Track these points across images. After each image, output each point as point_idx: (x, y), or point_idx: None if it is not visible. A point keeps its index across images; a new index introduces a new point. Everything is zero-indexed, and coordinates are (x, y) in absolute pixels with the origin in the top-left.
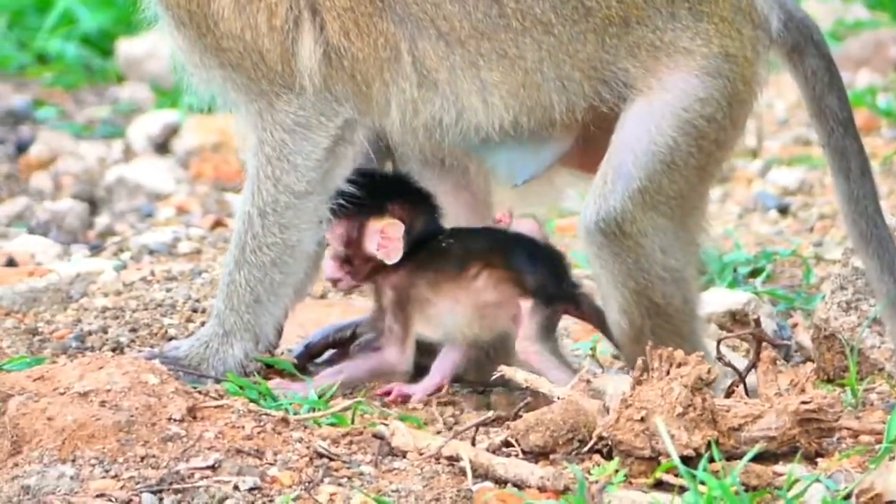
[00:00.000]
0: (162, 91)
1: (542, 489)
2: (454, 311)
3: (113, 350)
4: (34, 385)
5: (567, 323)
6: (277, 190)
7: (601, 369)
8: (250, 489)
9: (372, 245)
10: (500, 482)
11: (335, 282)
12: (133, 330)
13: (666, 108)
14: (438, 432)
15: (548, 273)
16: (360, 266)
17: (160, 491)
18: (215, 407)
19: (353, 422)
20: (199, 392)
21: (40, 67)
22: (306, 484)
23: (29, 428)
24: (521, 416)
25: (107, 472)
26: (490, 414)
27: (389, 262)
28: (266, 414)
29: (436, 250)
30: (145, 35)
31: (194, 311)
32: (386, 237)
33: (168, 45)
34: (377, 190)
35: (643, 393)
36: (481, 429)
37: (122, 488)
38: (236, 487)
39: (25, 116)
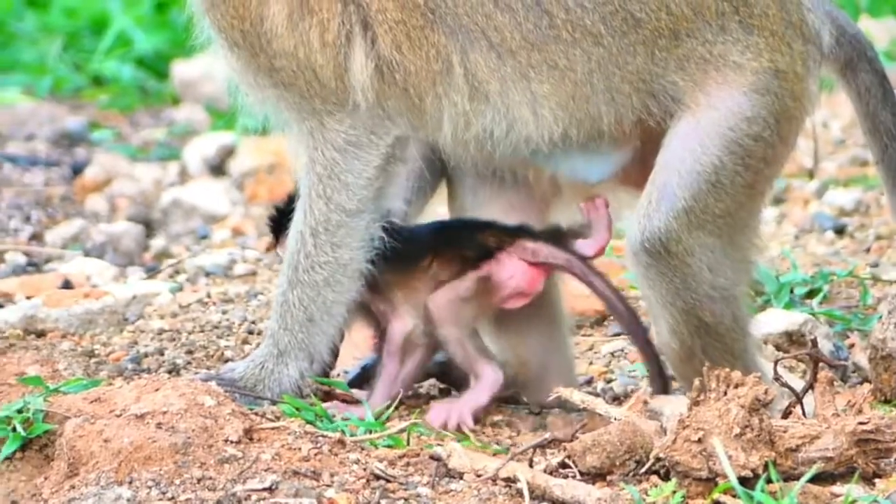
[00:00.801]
0: (217, 113)
1: None
2: (417, 301)
3: (169, 372)
4: (91, 407)
5: (623, 344)
6: (329, 209)
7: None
8: None
9: None
10: (558, 503)
11: None
12: (189, 352)
13: (712, 126)
14: (495, 454)
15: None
16: None
17: None
18: (272, 428)
19: (409, 443)
20: (256, 414)
21: (96, 89)
22: None
23: (85, 450)
24: (578, 438)
25: (163, 494)
26: (547, 435)
27: None
28: (323, 435)
29: (392, 247)
30: (200, 57)
31: (250, 332)
32: None
33: (222, 66)
34: None
35: (700, 414)
36: (538, 450)
37: None
38: None
39: (81, 138)
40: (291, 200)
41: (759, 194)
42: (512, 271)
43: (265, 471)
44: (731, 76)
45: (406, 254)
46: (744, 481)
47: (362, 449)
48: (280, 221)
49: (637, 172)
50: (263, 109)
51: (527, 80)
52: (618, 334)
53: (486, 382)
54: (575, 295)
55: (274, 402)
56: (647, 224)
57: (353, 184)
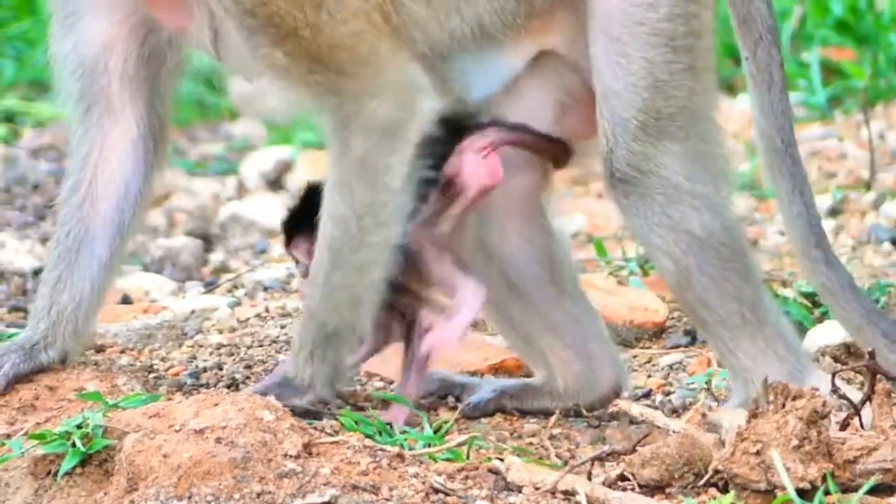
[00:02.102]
0: (275, 127)
1: None
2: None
3: (228, 387)
4: (150, 422)
5: (681, 356)
6: (376, 190)
7: (716, 402)
8: None
9: None
10: None
11: None
12: (248, 366)
13: (621, 30)
14: (554, 467)
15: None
16: None
17: None
18: (331, 443)
19: (468, 457)
20: (315, 428)
21: None
22: None
23: (144, 465)
24: (637, 451)
25: None
26: (606, 448)
27: None
28: (382, 449)
29: None
30: None
31: None
32: None
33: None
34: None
35: (759, 426)
36: (597, 463)
37: None
38: None
39: None
40: (305, 200)
41: (704, 70)
42: (470, 168)
43: (324, 485)
44: None
45: None
46: (802, 493)
47: (421, 463)
48: (293, 222)
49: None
50: (297, 101)
51: None
52: (676, 347)
53: (466, 298)
54: (633, 307)
55: (334, 416)
56: (611, 157)
57: (396, 163)
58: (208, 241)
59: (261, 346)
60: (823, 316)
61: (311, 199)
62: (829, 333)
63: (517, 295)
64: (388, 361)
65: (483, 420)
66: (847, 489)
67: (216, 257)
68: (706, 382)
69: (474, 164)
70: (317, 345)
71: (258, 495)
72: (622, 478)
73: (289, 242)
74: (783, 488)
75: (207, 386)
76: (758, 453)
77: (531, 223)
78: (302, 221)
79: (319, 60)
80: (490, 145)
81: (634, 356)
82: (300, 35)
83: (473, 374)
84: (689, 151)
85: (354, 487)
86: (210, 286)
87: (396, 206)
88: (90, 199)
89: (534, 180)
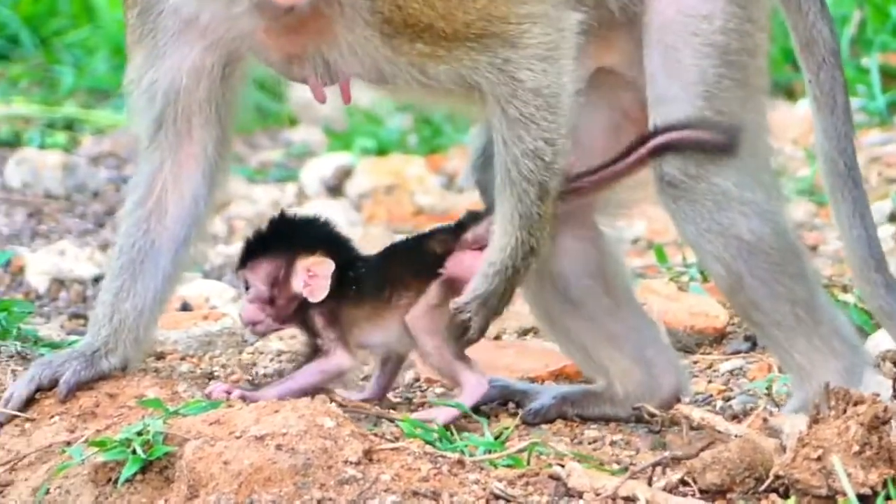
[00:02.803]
0: (334, 134)
1: None
2: (386, 331)
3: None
4: (210, 429)
5: (741, 362)
6: (556, 115)
7: (777, 407)
8: None
9: (298, 284)
10: None
11: (254, 324)
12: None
13: (677, 40)
14: (615, 473)
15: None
16: (282, 307)
17: None
18: (391, 449)
19: (529, 463)
20: (375, 434)
21: None
22: None
23: (205, 472)
24: (698, 456)
25: None
26: (667, 454)
27: (315, 300)
28: (442, 456)
29: (354, 281)
30: None
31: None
32: (313, 275)
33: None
34: (301, 229)
35: (820, 432)
36: (657, 468)
37: None
38: None
39: None
40: (274, 226)
41: (756, 90)
42: (467, 263)
43: (385, 491)
44: None
45: (366, 288)
46: (863, 499)
47: (482, 469)
48: (257, 245)
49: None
50: (443, 85)
51: None
52: (736, 352)
53: (469, 389)
54: (693, 313)
55: (392, 420)
56: (661, 162)
57: (567, 82)
58: None
59: None
60: None
61: (279, 226)
62: (890, 338)
63: (572, 308)
64: None
65: (543, 426)
66: None
67: None
68: (767, 387)
69: (471, 260)
70: (491, 295)
71: (318, 502)
72: (683, 483)
73: (244, 265)
74: (844, 494)
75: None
76: (819, 459)
77: (582, 239)
78: (267, 246)
79: (459, 39)
80: (485, 242)
81: (695, 362)
82: (436, 27)
83: (534, 380)
84: (737, 161)
85: (415, 494)
86: None
87: (568, 125)
88: (157, 213)
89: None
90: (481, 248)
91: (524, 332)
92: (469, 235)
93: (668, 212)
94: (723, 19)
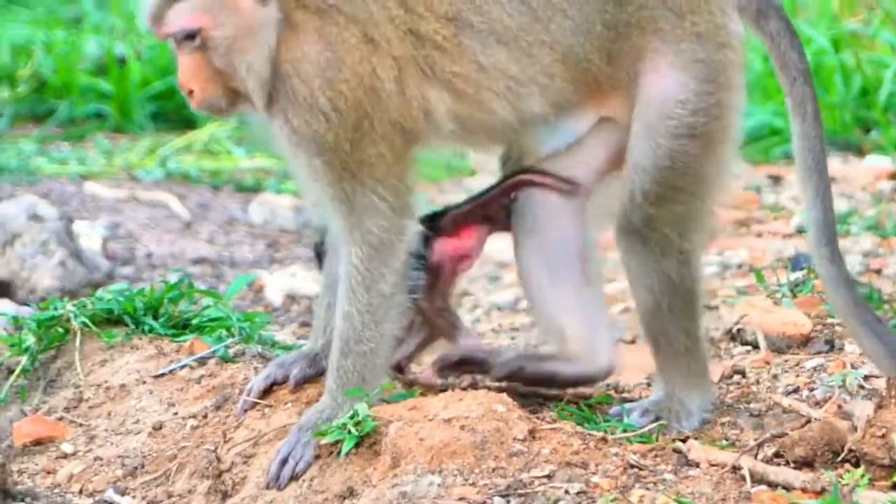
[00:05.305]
0: None
1: (804, 491)
2: None
3: (470, 386)
4: (409, 413)
5: (822, 360)
6: (370, 295)
7: (850, 396)
8: (577, 493)
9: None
10: (773, 486)
11: None
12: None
13: (656, 121)
14: (724, 448)
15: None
16: None
17: (508, 495)
18: (550, 429)
19: (657, 440)
20: (538, 417)
21: None
22: (621, 489)
23: (405, 447)
24: (788, 434)
25: (466, 480)
26: (766, 434)
27: None
28: (590, 434)
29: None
30: None
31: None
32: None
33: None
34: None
35: (883, 415)
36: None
37: (477, 493)
38: (567, 492)
39: None
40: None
41: (720, 143)
42: (441, 251)
43: (545, 462)
44: (662, 48)
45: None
46: None
47: (620, 444)
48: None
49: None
50: (320, 203)
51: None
52: (818, 353)
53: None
54: (784, 322)
55: (552, 409)
56: (628, 215)
57: (388, 273)
58: None
59: None
60: None
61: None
62: None
63: (551, 274)
64: None
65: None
66: None
67: (461, 285)
68: (842, 381)
69: (445, 245)
70: (328, 409)
71: (493, 470)
72: (777, 455)
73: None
74: None
75: (453, 386)
76: (882, 436)
77: (575, 226)
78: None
79: (349, 171)
80: (463, 221)
81: (786, 360)
82: (339, 149)
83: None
84: (688, 211)
85: (568, 464)
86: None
87: (389, 307)
88: None
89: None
90: (454, 232)
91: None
92: (444, 222)
93: (621, 248)
94: (695, 103)
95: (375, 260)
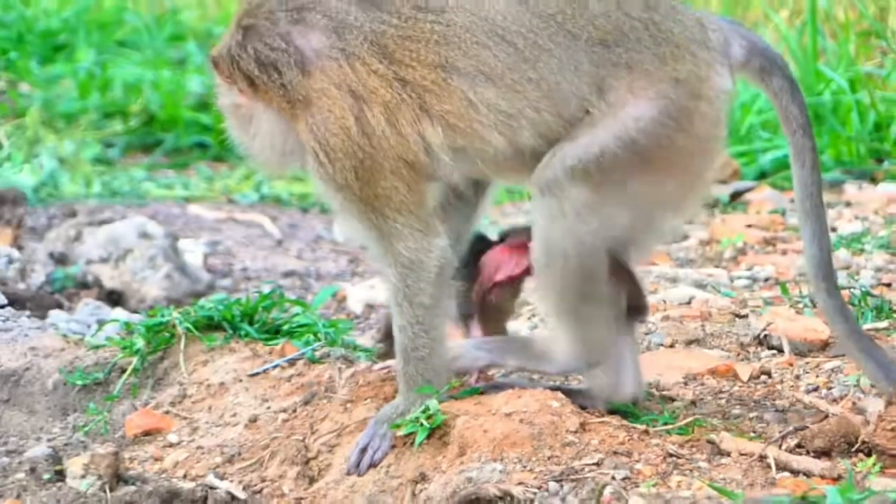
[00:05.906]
0: None
1: (823, 477)
2: None
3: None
4: (474, 408)
5: (839, 363)
6: (414, 308)
7: (864, 394)
8: (623, 479)
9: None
10: (795, 473)
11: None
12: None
13: (611, 121)
14: (752, 439)
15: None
16: None
17: (561, 480)
18: (598, 422)
19: (693, 432)
20: (588, 412)
21: None
22: (661, 475)
23: (471, 438)
24: (808, 428)
25: (524, 467)
26: (790, 427)
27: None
28: (633, 427)
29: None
30: None
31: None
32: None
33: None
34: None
35: (893, 411)
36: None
37: (535, 479)
38: (613, 478)
39: None
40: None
41: (659, 170)
42: (496, 262)
43: (594, 451)
44: (642, 83)
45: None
46: None
47: (661, 436)
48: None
49: None
50: (353, 229)
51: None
52: (836, 356)
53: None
54: (806, 329)
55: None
56: (542, 173)
57: (424, 288)
58: None
59: None
60: None
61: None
62: None
63: (591, 293)
64: None
65: (703, 408)
66: None
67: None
68: (856, 381)
69: (501, 258)
70: (406, 405)
71: (549, 458)
72: (799, 446)
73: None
74: None
75: (512, 386)
76: (892, 429)
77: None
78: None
79: (369, 204)
80: (519, 244)
81: (807, 362)
82: (353, 187)
83: (696, 377)
84: (592, 205)
85: (615, 453)
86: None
87: (434, 315)
88: None
89: None
90: (512, 247)
91: (689, 342)
92: (511, 239)
93: (537, 200)
94: (647, 124)
95: (410, 277)
